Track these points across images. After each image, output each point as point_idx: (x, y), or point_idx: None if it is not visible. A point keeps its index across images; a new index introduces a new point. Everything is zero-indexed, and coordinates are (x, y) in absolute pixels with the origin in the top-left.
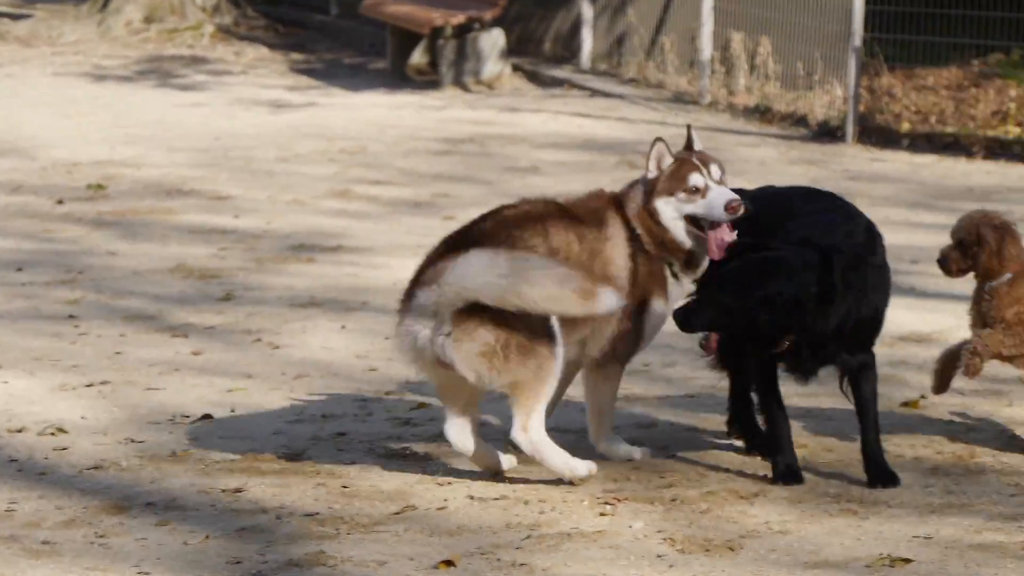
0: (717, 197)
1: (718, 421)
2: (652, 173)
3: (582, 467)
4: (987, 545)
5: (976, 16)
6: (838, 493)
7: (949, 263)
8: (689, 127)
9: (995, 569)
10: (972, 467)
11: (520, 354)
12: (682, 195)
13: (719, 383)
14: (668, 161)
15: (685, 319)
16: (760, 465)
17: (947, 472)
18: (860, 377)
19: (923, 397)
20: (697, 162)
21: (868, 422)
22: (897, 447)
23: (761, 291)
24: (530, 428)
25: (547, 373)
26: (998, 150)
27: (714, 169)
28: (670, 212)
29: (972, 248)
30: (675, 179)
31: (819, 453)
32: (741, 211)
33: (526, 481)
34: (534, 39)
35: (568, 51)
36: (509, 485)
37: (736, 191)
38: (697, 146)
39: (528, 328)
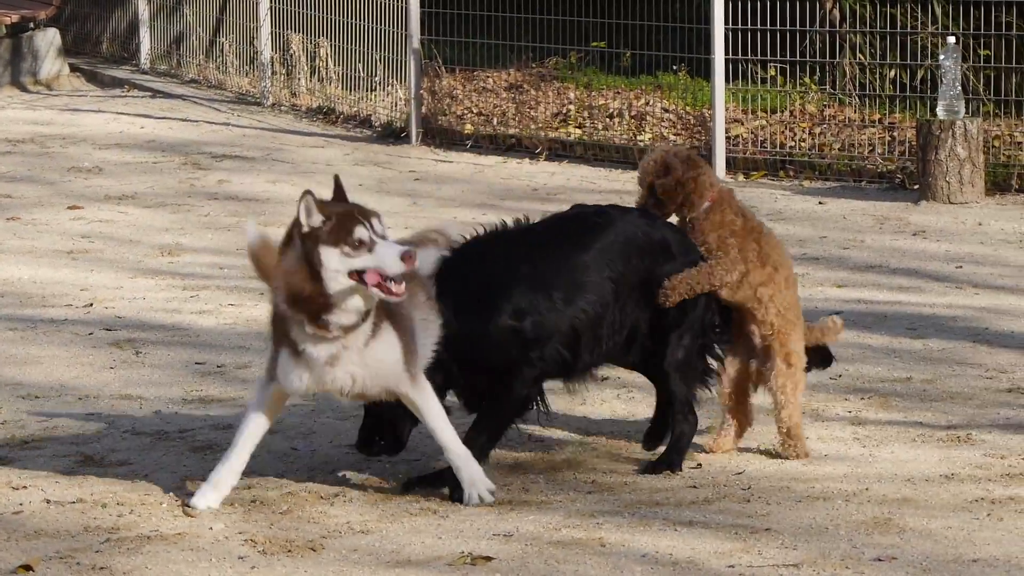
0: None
1: (293, 423)
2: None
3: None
4: (566, 542)
5: (533, 19)
6: (418, 493)
7: (649, 211)
8: (337, 177)
9: (575, 565)
10: (550, 465)
11: None
12: (347, 248)
13: None
14: (317, 216)
15: None
16: (343, 465)
17: (526, 470)
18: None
19: None
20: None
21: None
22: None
23: None
24: None
25: None
26: (560, 151)
27: (376, 223)
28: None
29: (666, 187)
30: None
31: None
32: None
33: (105, 484)
34: (92, 39)
35: (127, 51)
36: (87, 488)
37: None
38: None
39: None
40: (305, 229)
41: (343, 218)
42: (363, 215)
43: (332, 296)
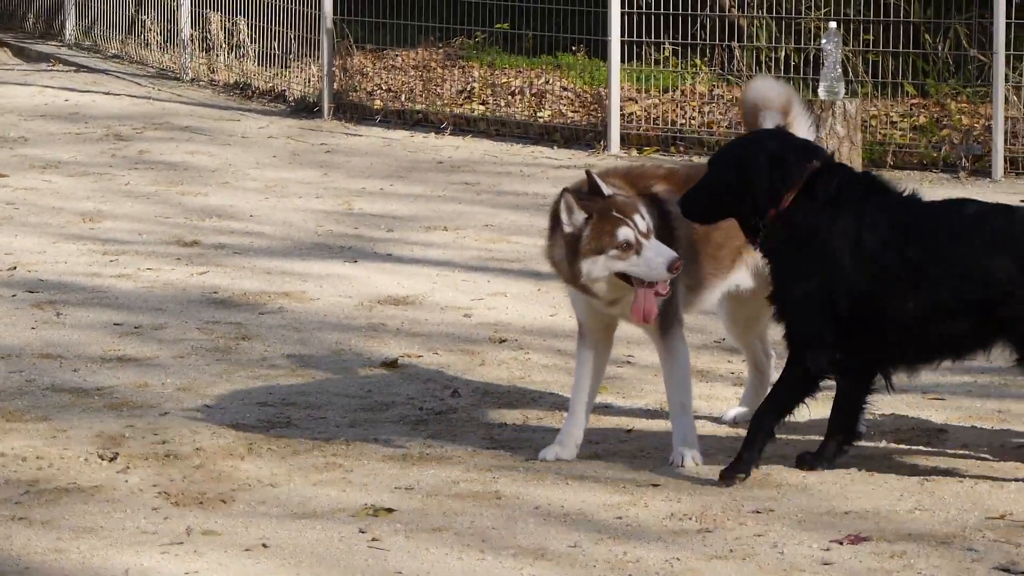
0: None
1: (206, 381)
2: (569, 227)
3: None
4: (464, 495)
5: (440, 1)
6: (324, 447)
7: None
8: (589, 171)
9: (471, 517)
10: (452, 420)
11: None
12: (613, 252)
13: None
14: (579, 214)
15: None
16: (252, 422)
17: (428, 426)
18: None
19: (406, 356)
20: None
21: None
22: (380, 402)
23: None
24: None
25: None
26: (464, 126)
27: (639, 220)
28: (598, 271)
29: None
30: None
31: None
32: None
33: (24, 439)
34: (18, 15)
35: (52, 28)
36: (7, 443)
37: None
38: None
39: None
40: (568, 229)
41: (605, 219)
42: (624, 212)
43: (598, 291)
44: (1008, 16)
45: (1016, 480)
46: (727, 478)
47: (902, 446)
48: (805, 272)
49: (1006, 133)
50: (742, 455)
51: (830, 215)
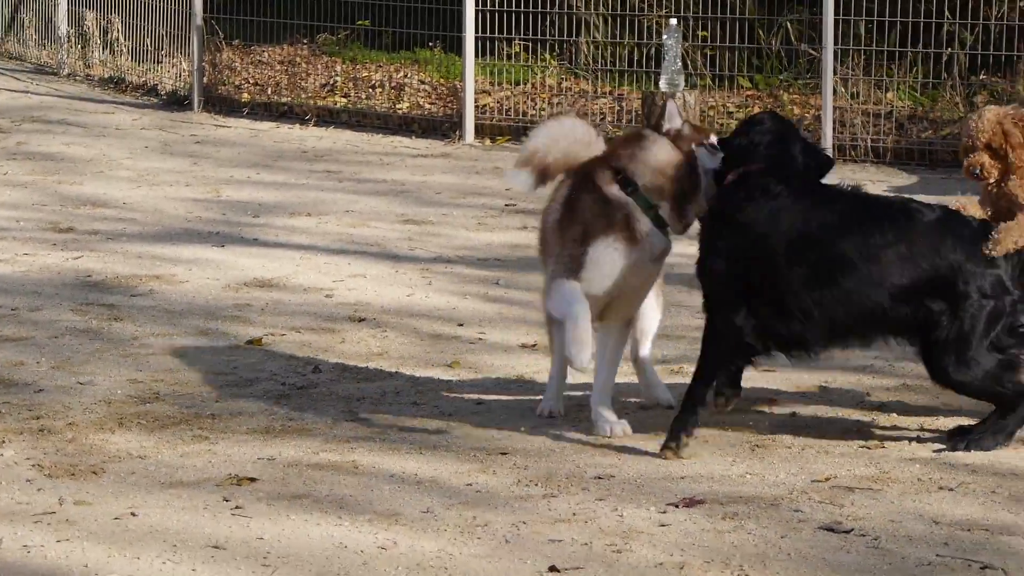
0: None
1: (80, 359)
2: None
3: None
4: (323, 464)
5: (306, 0)
6: (191, 421)
7: (984, 170)
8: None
9: (330, 485)
10: (313, 394)
11: None
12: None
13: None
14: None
15: None
16: (123, 397)
17: (290, 400)
18: None
19: (271, 334)
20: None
21: None
22: (245, 378)
23: None
24: None
25: None
26: (328, 118)
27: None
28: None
29: (1001, 146)
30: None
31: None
32: None
33: None
34: None
35: None
36: None
37: None
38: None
39: None
40: None
41: None
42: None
43: None
44: (836, 13)
45: (839, 446)
46: (667, 449)
47: (733, 414)
48: (722, 248)
49: (834, 122)
50: (674, 426)
51: (752, 199)
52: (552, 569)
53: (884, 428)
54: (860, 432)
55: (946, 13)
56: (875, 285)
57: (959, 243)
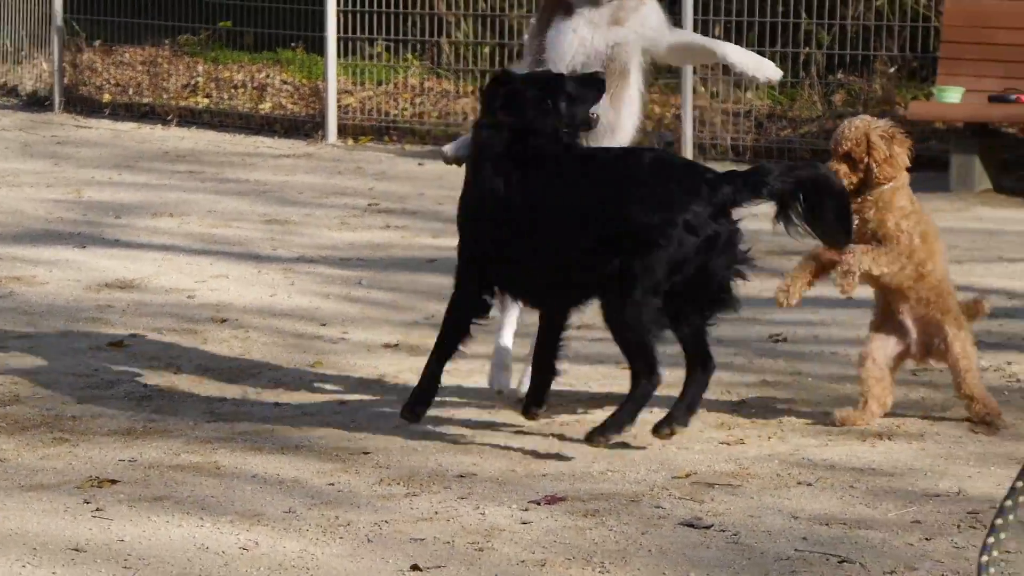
0: None
1: None
2: None
3: None
4: (185, 466)
5: (165, 1)
6: (51, 423)
7: (839, 177)
8: None
9: (191, 487)
10: (175, 396)
11: None
12: None
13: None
14: None
15: None
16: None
17: (152, 402)
18: None
19: (133, 335)
20: None
21: None
22: (107, 380)
23: None
24: None
25: None
26: (190, 118)
27: None
28: None
29: (862, 158)
30: None
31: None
32: None
33: None
34: None
35: None
36: None
37: None
38: None
39: None
40: None
41: None
42: None
43: None
44: (695, 13)
45: (699, 443)
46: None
47: (596, 412)
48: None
49: (695, 121)
50: (414, 394)
51: (484, 168)
52: (414, 568)
53: (743, 424)
54: (720, 428)
55: (803, 13)
56: (572, 239)
57: (643, 190)
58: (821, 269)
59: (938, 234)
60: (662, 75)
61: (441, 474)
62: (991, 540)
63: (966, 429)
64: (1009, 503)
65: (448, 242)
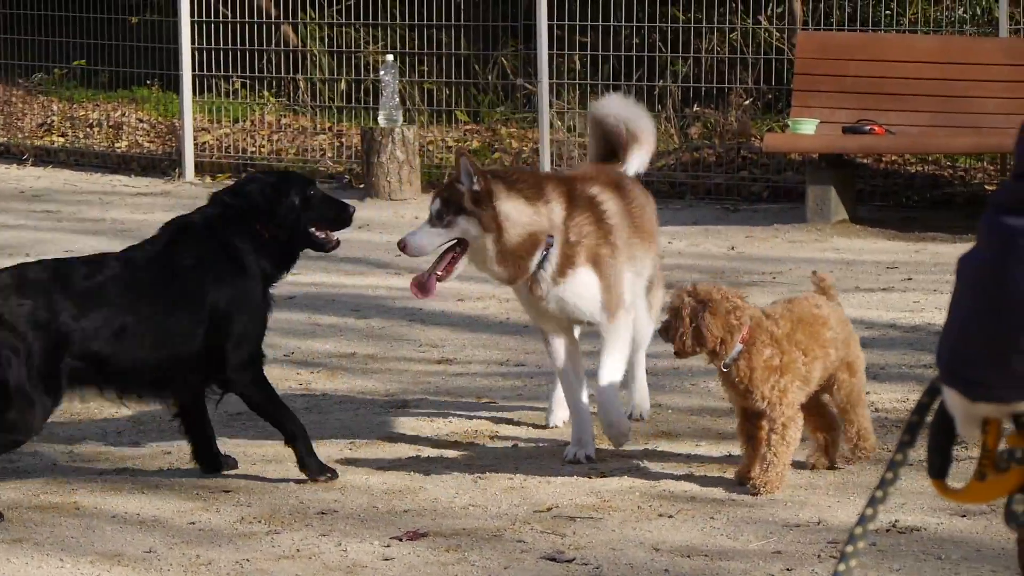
0: None
1: None
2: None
3: None
4: (44, 506)
5: (21, 40)
6: None
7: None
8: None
9: (51, 527)
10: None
11: None
12: None
13: None
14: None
15: None
16: None
17: None
18: None
19: None
20: None
21: None
22: None
23: None
24: None
25: None
26: (45, 157)
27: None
28: None
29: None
30: None
31: None
32: None
33: None
34: None
35: None
36: None
37: None
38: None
39: None
40: None
41: None
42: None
43: None
44: (551, 48)
45: (561, 476)
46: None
47: (455, 447)
48: None
49: (552, 155)
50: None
51: None
52: None
53: (604, 458)
54: (581, 462)
55: (658, 45)
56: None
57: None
58: None
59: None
60: (519, 110)
61: (302, 511)
62: (842, 568)
63: None
64: (859, 530)
65: (308, 279)
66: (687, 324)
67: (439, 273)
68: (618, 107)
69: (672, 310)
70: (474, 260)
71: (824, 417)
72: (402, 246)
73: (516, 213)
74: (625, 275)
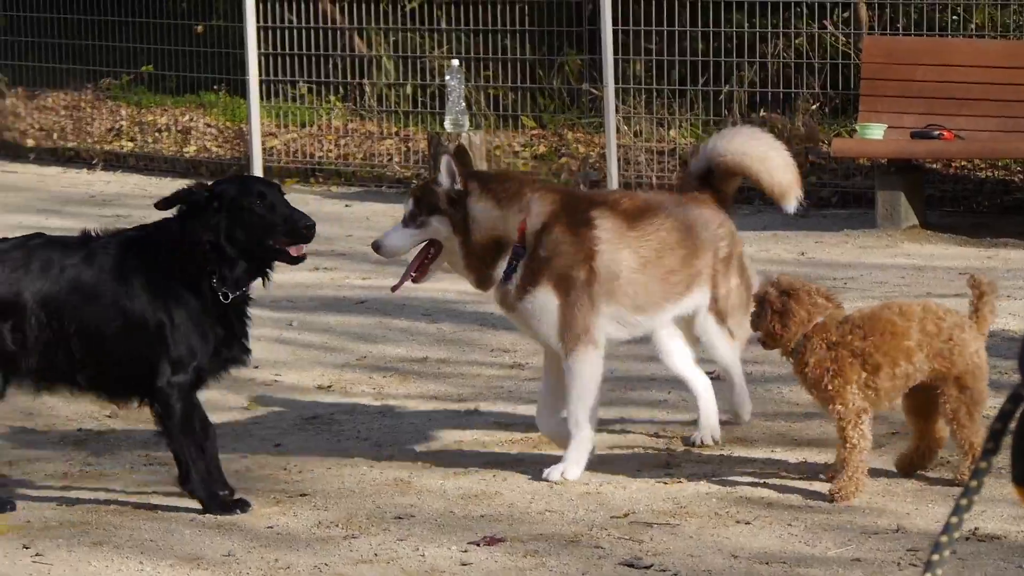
0: None
1: None
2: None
3: None
4: (123, 509)
5: (89, 45)
6: None
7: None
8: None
9: (130, 530)
10: (110, 439)
11: None
12: None
13: None
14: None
15: None
16: None
17: (87, 445)
18: None
19: None
20: None
21: None
22: (43, 424)
23: None
24: None
25: None
26: (115, 162)
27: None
28: None
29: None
30: None
31: None
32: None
33: None
34: None
35: None
36: None
37: None
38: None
39: None
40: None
41: None
42: None
43: None
44: (615, 53)
45: (636, 482)
46: None
47: (529, 452)
48: None
49: (619, 160)
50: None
51: None
52: None
53: (680, 463)
54: (657, 467)
55: (724, 51)
56: None
57: None
58: None
59: None
60: (585, 115)
61: (379, 515)
62: None
63: None
64: (944, 539)
65: (378, 282)
66: (770, 313)
67: (413, 275)
68: (741, 145)
69: (758, 299)
70: (449, 262)
71: (927, 425)
72: (376, 247)
73: (482, 215)
74: (601, 308)
